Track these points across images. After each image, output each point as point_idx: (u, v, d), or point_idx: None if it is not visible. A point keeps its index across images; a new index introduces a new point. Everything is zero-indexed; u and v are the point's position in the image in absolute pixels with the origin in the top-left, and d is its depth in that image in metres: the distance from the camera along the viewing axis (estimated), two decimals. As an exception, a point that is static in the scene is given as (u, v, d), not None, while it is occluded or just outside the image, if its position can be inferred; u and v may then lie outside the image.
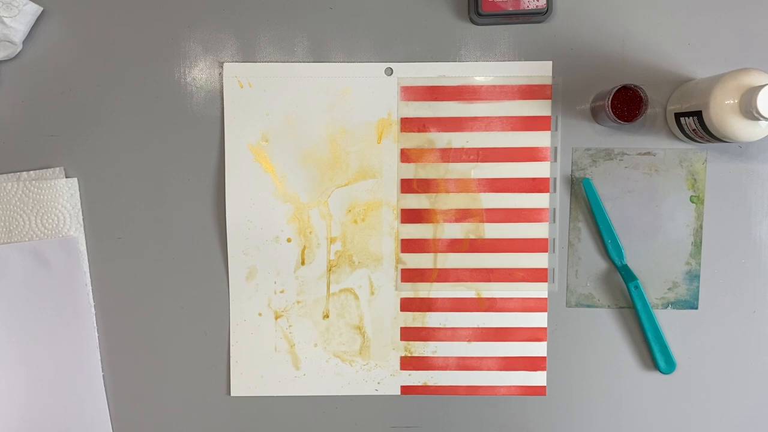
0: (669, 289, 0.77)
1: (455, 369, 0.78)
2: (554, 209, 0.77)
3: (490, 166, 0.77)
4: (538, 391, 0.78)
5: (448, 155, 0.77)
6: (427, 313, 0.78)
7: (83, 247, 0.77)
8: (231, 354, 0.78)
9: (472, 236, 0.77)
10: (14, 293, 0.77)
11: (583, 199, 0.77)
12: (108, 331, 0.78)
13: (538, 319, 0.78)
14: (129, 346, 0.78)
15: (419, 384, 0.79)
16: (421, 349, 0.78)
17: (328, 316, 0.78)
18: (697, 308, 0.77)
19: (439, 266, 0.78)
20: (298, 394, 0.79)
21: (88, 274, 0.78)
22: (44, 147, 0.77)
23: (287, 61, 0.77)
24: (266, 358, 0.78)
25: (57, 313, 0.77)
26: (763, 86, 0.61)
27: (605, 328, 0.78)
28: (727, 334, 0.77)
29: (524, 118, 0.76)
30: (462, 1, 0.76)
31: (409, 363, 0.78)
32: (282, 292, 0.78)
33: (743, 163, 0.76)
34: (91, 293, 0.78)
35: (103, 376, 0.78)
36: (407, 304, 0.78)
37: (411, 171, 0.77)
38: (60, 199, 0.77)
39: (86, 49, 0.77)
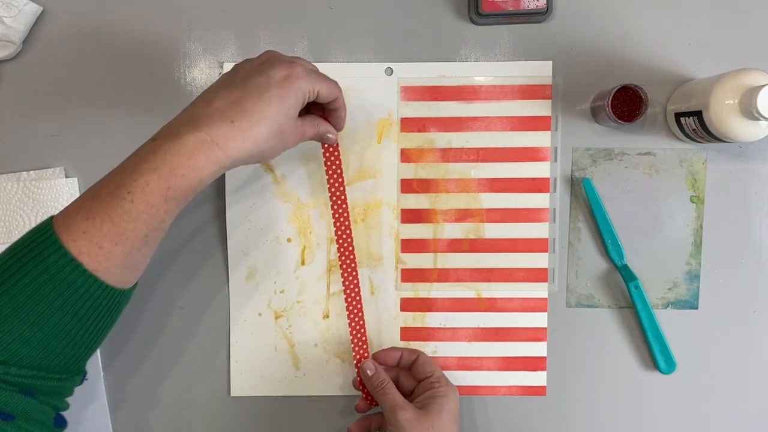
0: (669, 289, 0.77)
1: (455, 369, 0.78)
2: (554, 209, 0.77)
3: (490, 166, 0.77)
4: (538, 391, 0.78)
5: (448, 155, 0.77)
6: (427, 313, 0.78)
7: (83, 247, 0.77)
8: (231, 354, 0.78)
9: (472, 236, 0.77)
10: (14, 293, 0.77)
11: (583, 199, 0.77)
12: (108, 331, 0.78)
13: (538, 319, 0.77)
14: (129, 346, 0.78)
15: (419, 384, 0.78)
16: (421, 349, 0.78)
17: (328, 316, 0.78)
18: (697, 308, 0.77)
19: (439, 266, 0.78)
20: (298, 394, 0.79)
21: (88, 274, 0.78)
22: (44, 147, 0.77)
23: (287, 61, 0.77)
24: (266, 358, 0.78)
25: (57, 313, 0.77)
26: (763, 86, 0.61)
27: (605, 328, 0.78)
28: (727, 334, 0.77)
29: (524, 118, 0.76)
30: (462, 1, 0.76)
31: (409, 363, 0.78)
32: (282, 292, 0.78)
33: (743, 163, 0.76)
34: (91, 293, 0.78)
35: (103, 376, 0.78)
36: (407, 304, 0.78)
37: (411, 171, 0.77)
38: (60, 199, 0.76)
39: (86, 49, 0.77)
